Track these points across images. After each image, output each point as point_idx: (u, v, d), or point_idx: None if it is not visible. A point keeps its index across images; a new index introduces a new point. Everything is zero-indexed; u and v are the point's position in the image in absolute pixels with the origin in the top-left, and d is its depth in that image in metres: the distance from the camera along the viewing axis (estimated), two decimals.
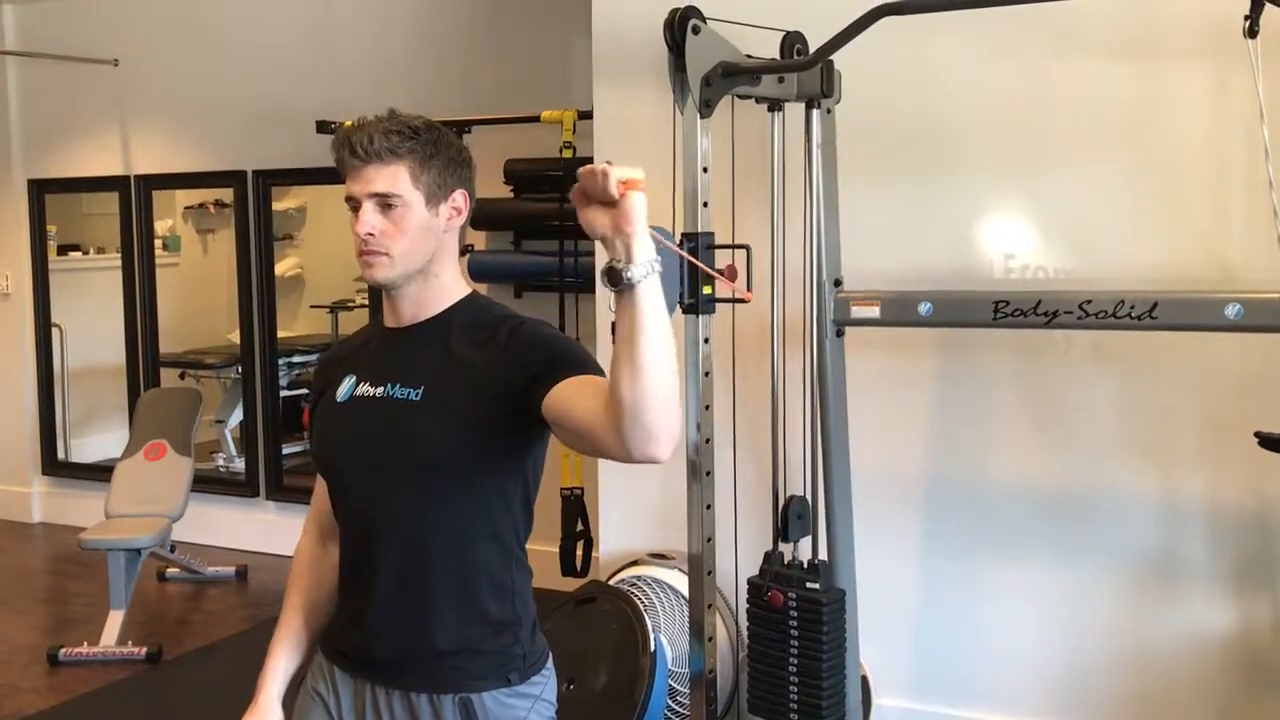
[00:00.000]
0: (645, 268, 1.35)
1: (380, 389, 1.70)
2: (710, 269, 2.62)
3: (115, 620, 4.36)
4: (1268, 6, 2.28)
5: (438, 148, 1.67)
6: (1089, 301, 2.61)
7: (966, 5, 2.60)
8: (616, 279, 1.35)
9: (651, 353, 1.35)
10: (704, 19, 2.66)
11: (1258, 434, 2.46)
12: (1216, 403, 3.01)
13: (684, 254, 2.51)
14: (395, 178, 1.63)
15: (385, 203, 1.63)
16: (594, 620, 3.36)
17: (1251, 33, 2.30)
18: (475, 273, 4.75)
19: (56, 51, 5.93)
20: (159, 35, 5.84)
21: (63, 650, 4.29)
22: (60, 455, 6.39)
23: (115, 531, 4.46)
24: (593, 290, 3.95)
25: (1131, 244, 3.07)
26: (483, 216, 4.62)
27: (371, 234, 1.63)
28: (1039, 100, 3.16)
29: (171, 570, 5.24)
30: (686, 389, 2.77)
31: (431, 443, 1.64)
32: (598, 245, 3.76)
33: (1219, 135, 2.96)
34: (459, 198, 1.70)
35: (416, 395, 1.66)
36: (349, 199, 1.66)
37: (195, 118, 5.80)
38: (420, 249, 1.66)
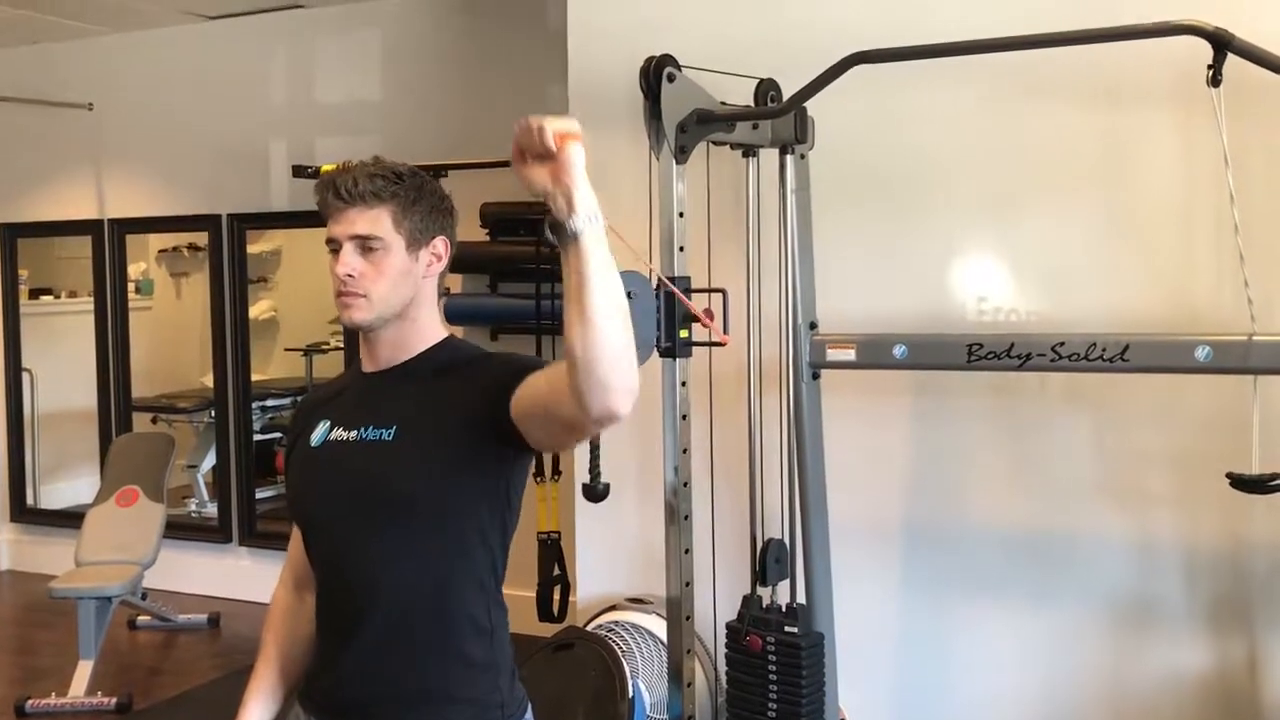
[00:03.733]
0: (587, 218, 1.36)
1: (353, 432, 1.69)
2: (690, 306, 2.64)
3: (85, 670, 4.29)
4: (1229, 57, 2.33)
5: (421, 194, 1.68)
6: (1061, 344, 2.63)
7: (937, 54, 2.64)
8: (560, 231, 1.36)
9: (599, 303, 1.35)
10: (679, 67, 2.69)
11: (1229, 475, 2.47)
12: (1188, 444, 3.03)
13: (670, 286, 2.53)
14: (377, 221, 1.64)
15: (366, 245, 1.64)
16: (571, 666, 3.33)
17: (1215, 82, 2.34)
18: (451, 315, 4.74)
19: (31, 96, 5.93)
20: (134, 80, 5.85)
21: (30, 701, 4.21)
22: (29, 501, 6.30)
23: (85, 579, 4.40)
24: None
25: (1102, 287, 3.11)
26: (458, 259, 4.56)
27: (351, 275, 1.64)
28: (1011, 146, 3.20)
29: (142, 618, 5.17)
30: (665, 433, 2.77)
31: (404, 481, 1.63)
32: None
33: (1186, 181, 3.01)
34: (440, 244, 1.72)
35: (389, 435, 1.65)
36: (330, 241, 1.66)
37: (170, 162, 5.80)
38: (399, 293, 1.67)
